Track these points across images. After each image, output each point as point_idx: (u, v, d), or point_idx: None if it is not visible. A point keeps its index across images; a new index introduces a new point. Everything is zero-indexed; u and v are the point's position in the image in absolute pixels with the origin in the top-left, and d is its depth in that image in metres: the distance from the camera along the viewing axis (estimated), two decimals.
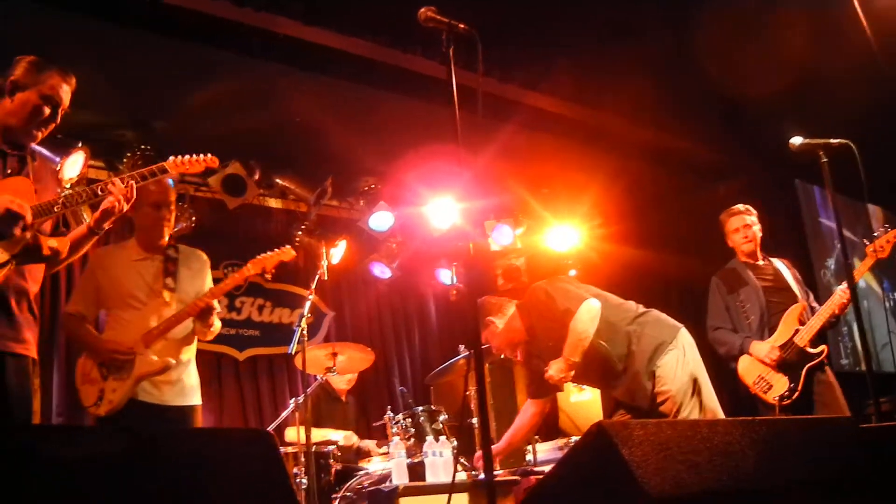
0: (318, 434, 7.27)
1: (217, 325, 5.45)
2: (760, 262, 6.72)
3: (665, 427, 2.23)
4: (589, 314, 5.31)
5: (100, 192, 4.18)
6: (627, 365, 5.35)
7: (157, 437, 2.10)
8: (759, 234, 6.75)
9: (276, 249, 5.61)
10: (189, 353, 5.43)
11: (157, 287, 5.33)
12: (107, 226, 4.31)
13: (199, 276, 5.56)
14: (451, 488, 4.81)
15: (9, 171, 4.08)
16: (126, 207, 4.28)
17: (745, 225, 6.72)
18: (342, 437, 7.36)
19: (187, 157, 4.61)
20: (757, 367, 6.34)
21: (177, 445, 2.14)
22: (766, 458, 2.29)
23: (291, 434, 7.37)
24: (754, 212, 6.81)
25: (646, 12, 7.20)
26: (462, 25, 3.62)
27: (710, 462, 2.17)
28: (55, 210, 4.08)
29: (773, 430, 2.42)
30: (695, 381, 5.27)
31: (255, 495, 2.17)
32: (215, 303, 5.31)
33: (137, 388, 5.09)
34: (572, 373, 5.34)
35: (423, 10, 3.66)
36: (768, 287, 6.58)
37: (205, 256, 5.75)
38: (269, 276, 5.56)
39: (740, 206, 6.83)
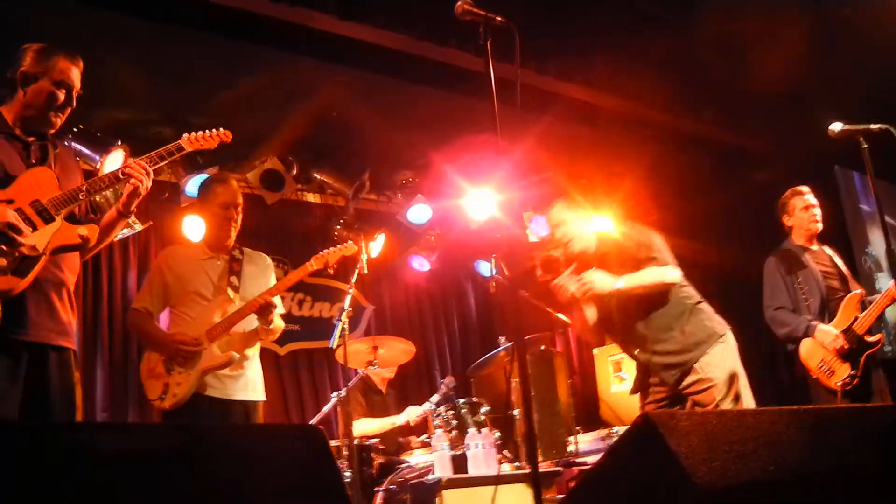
0: (385, 423, 7.45)
1: (279, 324, 5.51)
2: (815, 248, 6.65)
3: (711, 417, 2.21)
4: (670, 277, 5.45)
5: (121, 176, 4.20)
6: (672, 339, 5.41)
7: (208, 433, 2.11)
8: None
9: (338, 245, 5.69)
10: (253, 349, 5.50)
11: (221, 285, 5.43)
12: (134, 208, 4.32)
13: (263, 276, 5.65)
14: (496, 479, 4.80)
15: (33, 161, 4.10)
16: (149, 186, 4.30)
17: (811, 205, 6.65)
18: (403, 418, 7.43)
19: (201, 133, 4.67)
20: (819, 351, 6.25)
21: (228, 441, 2.15)
22: (812, 447, 2.27)
23: (357, 427, 7.33)
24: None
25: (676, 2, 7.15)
26: (499, 18, 3.61)
27: (757, 451, 2.16)
28: (80, 197, 4.11)
29: (819, 418, 2.40)
30: (735, 378, 5.32)
31: (306, 491, 2.17)
32: (277, 300, 5.38)
33: (202, 382, 5.17)
34: (590, 288, 5.48)
35: (459, 2, 3.66)
36: (826, 272, 6.51)
37: (269, 259, 5.86)
38: (331, 272, 5.63)
39: (802, 187, 6.77)
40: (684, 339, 5.37)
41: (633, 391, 5.89)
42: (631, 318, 5.58)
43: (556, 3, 7.23)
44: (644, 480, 2.12)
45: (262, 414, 5.52)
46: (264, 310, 5.30)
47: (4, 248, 3.83)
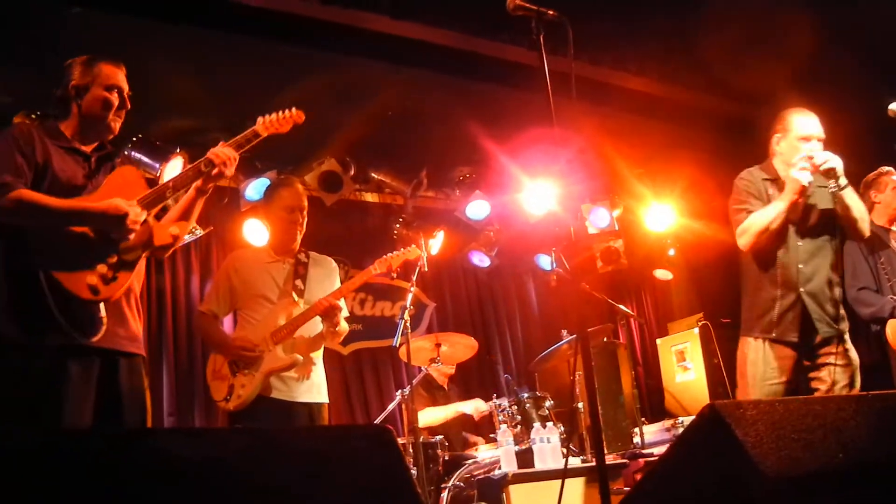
0: (449, 410, 7.40)
1: (344, 326, 5.56)
2: (895, 229, 6.56)
3: (778, 406, 2.19)
4: (864, 226, 5.25)
5: (203, 168, 4.27)
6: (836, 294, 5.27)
7: (277, 436, 2.13)
8: None
9: (402, 249, 5.75)
10: (317, 353, 5.54)
11: (287, 288, 5.47)
12: (211, 186, 4.41)
13: (328, 280, 5.68)
14: (563, 474, 4.79)
15: (92, 170, 4.17)
16: (231, 172, 4.39)
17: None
18: (471, 407, 7.42)
19: (274, 115, 4.67)
20: None
21: (296, 444, 2.17)
22: (880, 433, 2.24)
23: (423, 418, 7.34)
24: None
25: None
26: (551, 12, 3.61)
27: (825, 440, 2.14)
28: (168, 195, 4.20)
29: (886, 404, 2.36)
30: None
31: (377, 493, 2.18)
32: (341, 303, 5.43)
33: (266, 384, 5.22)
34: (834, 167, 5.07)
35: None
36: None
37: (334, 262, 5.90)
38: (394, 275, 5.66)
39: (892, 168, 6.67)
40: (839, 306, 5.23)
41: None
42: (818, 245, 5.27)
43: None
44: (711, 471, 2.10)
45: (326, 416, 5.57)
46: (330, 312, 5.34)
47: (130, 238, 4.01)
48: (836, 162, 5.02)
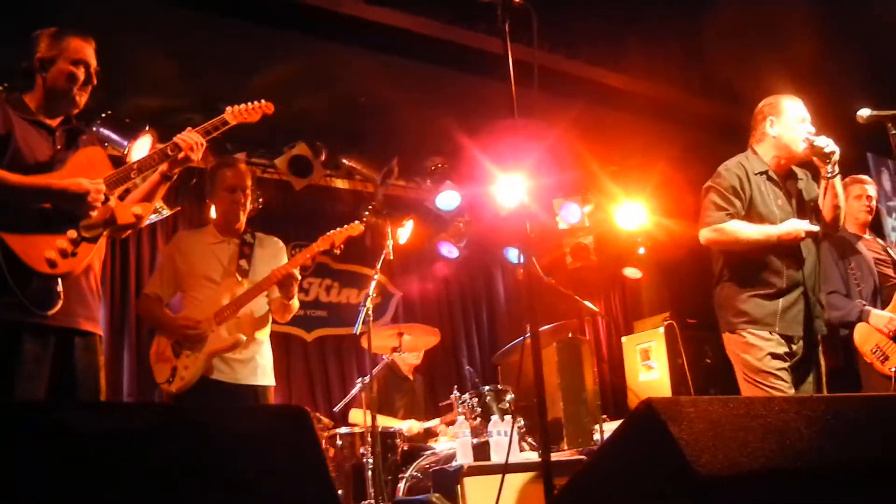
0: (383, 423, 7.30)
1: (295, 303, 5.49)
2: (868, 236, 6.63)
3: (717, 404, 2.17)
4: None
5: (170, 152, 4.26)
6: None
7: (187, 412, 2.10)
8: (875, 209, 6.67)
9: (345, 225, 5.63)
10: (263, 333, 5.46)
11: (231, 268, 5.39)
12: (176, 171, 4.41)
13: (275, 261, 5.56)
14: (504, 468, 4.77)
15: (58, 147, 4.13)
16: (198, 157, 4.37)
17: (867, 195, 6.63)
18: (406, 427, 7.36)
19: (243, 105, 4.68)
20: (874, 336, 6.22)
21: (208, 420, 2.14)
22: (822, 437, 2.22)
23: (355, 416, 7.42)
24: (876, 185, 6.72)
25: None
26: (517, 0, 3.58)
27: (764, 441, 2.11)
28: (132, 176, 4.17)
29: (831, 407, 2.34)
30: None
31: (289, 473, 2.16)
32: (296, 273, 5.31)
33: (210, 366, 5.14)
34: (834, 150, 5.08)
35: None
36: (879, 259, 6.50)
37: (281, 243, 5.80)
38: (337, 252, 5.57)
39: (865, 176, 6.77)
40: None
41: None
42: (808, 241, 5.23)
43: None
44: (645, 468, 2.08)
45: (272, 399, 5.50)
46: (286, 280, 5.25)
47: (92, 216, 3.98)
48: (835, 147, 5.03)
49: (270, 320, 5.54)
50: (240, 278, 5.34)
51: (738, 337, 5.04)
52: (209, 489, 1.98)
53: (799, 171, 5.31)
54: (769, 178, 5.15)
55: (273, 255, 5.64)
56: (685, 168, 9.51)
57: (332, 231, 5.57)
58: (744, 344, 4.99)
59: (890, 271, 6.47)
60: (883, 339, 6.19)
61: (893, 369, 6.12)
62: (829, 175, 5.08)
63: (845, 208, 6.32)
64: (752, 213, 5.07)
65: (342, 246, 5.57)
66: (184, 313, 5.31)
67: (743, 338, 4.99)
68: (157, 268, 5.72)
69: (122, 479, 1.83)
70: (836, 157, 5.05)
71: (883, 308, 6.30)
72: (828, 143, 5.03)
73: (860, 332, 6.30)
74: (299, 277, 5.35)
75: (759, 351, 4.92)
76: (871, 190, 6.66)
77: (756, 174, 5.15)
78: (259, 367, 5.35)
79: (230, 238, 5.51)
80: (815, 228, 4.98)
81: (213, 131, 4.48)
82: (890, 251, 6.61)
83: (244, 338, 5.21)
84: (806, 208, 5.23)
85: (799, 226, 4.92)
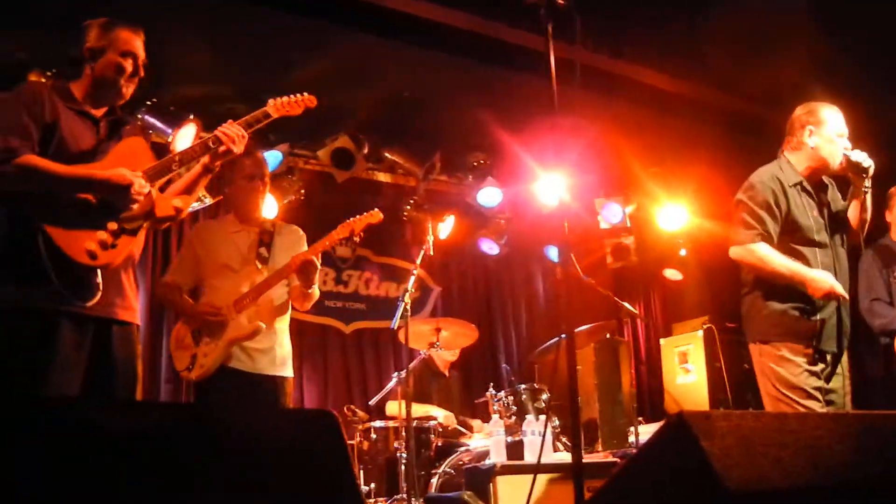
0: (420, 409, 7.29)
1: (316, 291, 5.48)
2: None
3: (750, 419, 2.14)
4: None
5: (211, 145, 4.27)
6: None
7: (214, 413, 2.10)
8: None
9: (365, 213, 5.61)
10: (282, 322, 5.47)
11: (250, 256, 5.40)
12: (218, 164, 4.42)
13: (295, 249, 5.54)
14: (536, 469, 4.75)
15: (103, 137, 4.15)
16: (240, 150, 4.37)
17: None
18: (442, 415, 7.36)
19: (286, 98, 4.66)
20: None
21: (234, 422, 2.14)
22: (856, 454, 2.19)
23: (392, 408, 7.42)
24: None
25: None
26: (560, 0, 3.57)
27: (796, 457, 2.09)
28: (173, 168, 4.18)
29: (865, 424, 2.31)
30: None
31: (315, 478, 2.15)
32: (316, 261, 5.28)
33: (230, 355, 5.16)
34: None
35: None
36: None
37: (301, 231, 5.79)
38: (357, 239, 5.54)
39: None
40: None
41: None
42: (839, 252, 5.16)
43: None
44: (675, 481, 2.06)
45: (290, 390, 5.47)
46: (306, 268, 5.24)
47: (133, 209, 4.00)
48: (871, 162, 4.96)
49: (290, 308, 5.54)
50: (259, 266, 5.35)
51: (772, 349, 4.91)
52: (233, 491, 1.98)
53: (826, 180, 5.22)
54: (803, 189, 5.05)
55: (293, 243, 5.63)
56: (727, 170, 9.40)
57: (351, 218, 5.56)
58: (779, 357, 4.87)
59: None
60: None
61: None
62: (866, 190, 5.00)
63: (890, 217, 6.29)
64: (791, 226, 4.96)
65: (362, 233, 5.55)
66: (203, 300, 5.35)
67: (779, 350, 4.87)
68: (177, 256, 5.73)
69: (145, 478, 1.83)
70: (871, 171, 4.98)
71: None
72: (865, 159, 4.95)
73: None
74: (319, 265, 5.32)
75: (796, 367, 4.81)
76: None
77: (791, 186, 5.02)
78: (278, 357, 5.36)
79: (250, 227, 5.53)
80: (845, 295, 4.86)
81: (256, 124, 4.48)
82: None
83: (264, 326, 5.21)
84: (836, 219, 5.14)
85: (835, 286, 4.77)
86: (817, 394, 4.80)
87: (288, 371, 5.43)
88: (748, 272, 5.09)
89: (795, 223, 4.96)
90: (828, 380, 4.92)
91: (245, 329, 5.17)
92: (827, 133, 5.05)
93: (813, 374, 4.81)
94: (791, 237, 4.95)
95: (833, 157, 5.02)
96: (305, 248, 5.61)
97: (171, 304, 5.64)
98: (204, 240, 5.50)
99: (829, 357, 4.92)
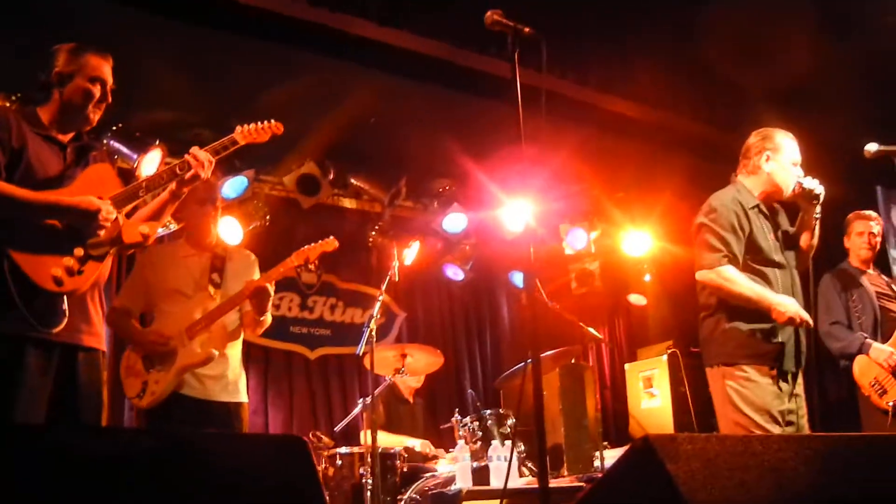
0: (395, 440, 7.29)
1: (268, 318, 5.44)
2: (871, 271, 6.74)
3: (714, 442, 2.17)
4: None
5: (179, 171, 4.27)
6: None
7: (186, 439, 2.10)
8: (879, 246, 6.72)
9: (319, 241, 5.59)
10: (234, 348, 5.43)
11: (203, 282, 5.37)
12: (185, 191, 4.41)
13: (247, 273, 5.53)
14: (502, 493, 4.76)
15: (68, 163, 4.14)
16: (207, 176, 4.36)
17: (870, 231, 6.73)
18: (419, 444, 7.36)
19: (253, 125, 4.66)
20: (873, 369, 6.30)
21: (207, 448, 2.14)
22: (819, 476, 2.22)
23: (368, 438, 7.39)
24: (882, 222, 6.81)
25: (718, 15, 7.09)
26: (527, 29, 3.61)
27: (760, 479, 2.11)
28: (140, 194, 4.18)
29: (829, 446, 2.34)
30: None
31: (286, 502, 2.16)
32: (270, 288, 5.25)
33: (181, 382, 5.10)
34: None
35: (489, 13, 3.68)
36: (881, 293, 6.59)
37: (253, 256, 5.78)
38: (312, 267, 5.53)
39: (871, 213, 6.88)
40: None
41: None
42: (793, 274, 5.21)
43: (597, 15, 7.21)
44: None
45: (245, 416, 5.45)
46: (259, 294, 5.20)
47: (100, 235, 3.99)
48: (822, 189, 5.06)
49: (241, 335, 5.51)
50: (212, 292, 5.34)
51: (737, 371, 4.90)
52: None
53: (776, 205, 5.31)
54: (760, 212, 5.13)
55: (245, 268, 5.62)
56: (691, 196, 9.48)
57: (306, 246, 5.54)
58: (745, 379, 4.86)
59: (892, 305, 6.52)
60: (882, 372, 6.24)
61: (891, 403, 6.16)
62: (817, 216, 5.09)
63: (849, 243, 6.42)
64: (752, 247, 5.01)
65: (317, 261, 5.54)
66: (155, 327, 5.29)
67: (745, 372, 4.87)
68: (127, 281, 5.65)
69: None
70: (822, 198, 5.07)
71: (883, 341, 6.37)
72: (816, 186, 5.05)
73: (860, 365, 6.36)
74: (272, 292, 5.30)
75: (762, 389, 4.83)
76: (875, 226, 6.73)
77: (750, 208, 5.09)
78: (230, 383, 5.32)
79: (202, 251, 5.50)
80: (810, 322, 4.90)
81: (223, 151, 4.48)
82: (894, 286, 6.65)
83: (216, 353, 5.16)
84: (789, 242, 5.22)
85: (799, 311, 4.82)
86: (779, 417, 4.83)
87: (242, 396, 5.41)
88: (710, 294, 5.09)
89: (756, 244, 5.02)
90: (788, 399, 4.95)
91: (197, 356, 5.11)
92: (782, 159, 5.15)
93: (778, 396, 4.85)
94: (753, 258, 5.00)
95: (787, 184, 5.13)
96: (258, 273, 5.62)
97: (119, 330, 5.54)
98: (154, 264, 5.44)
99: (789, 376, 4.96)
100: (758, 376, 4.85)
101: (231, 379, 5.32)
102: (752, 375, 4.85)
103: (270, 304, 5.34)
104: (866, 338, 6.35)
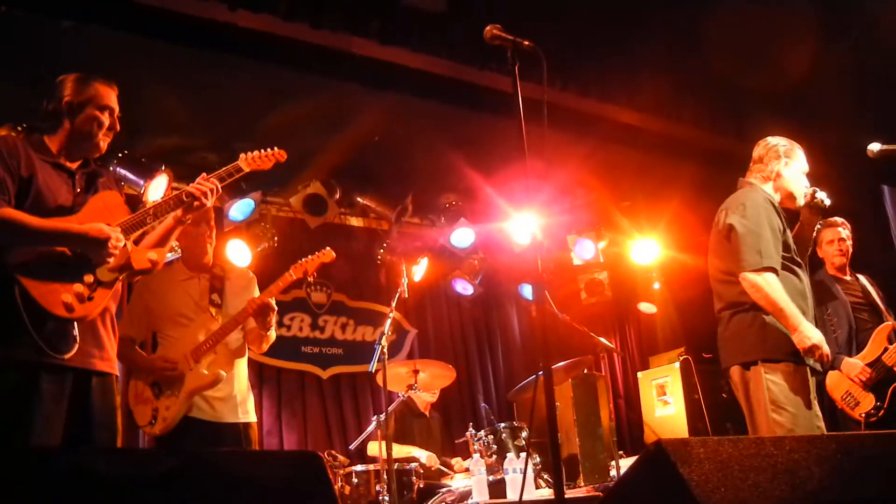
0: (402, 450, 7.29)
1: (272, 334, 5.47)
2: (847, 278, 6.73)
3: (727, 445, 2.18)
4: None
5: (185, 198, 4.29)
6: None
7: (204, 457, 2.11)
8: (851, 249, 6.69)
9: (316, 253, 5.64)
10: (240, 367, 5.46)
11: (203, 304, 5.39)
12: (190, 217, 4.43)
13: (246, 293, 5.57)
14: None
15: (78, 190, 4.17)
16: (212, 203, 4.42)
17: (840, 238, 6.72)
18: (425, 456, 7.36)
19: (257, 152, 4.73)
20: (845, 382, 6.35)
21: (225, 466, 2.15)
22: (833, 476, 2.23)
23: (373, 448, 7.39)
24: (849, 226, 6.76)
25: (720, 23, 7.11)
26: (526, 42, 3.63)
27: (774, 481, 2.12)
28: (148, 221, 4.21)
29: (842, 446, 2.35)
30: None
31: None
32: (272, 303, 5.28)
33: (191, 405, 5.12)
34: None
35: (488, 27, 3.70)
36: (856, 303, 6.59)
37: (251, 274, 5.82)
38: (311, 279, 5.56)
39: (837, 219, 6.82)
40: None
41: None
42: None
43: (598, 26, 7.23)
44: None
45: (255, 435, 5.47)
46: (262, 311, 5.24)
47: (109, 262, 4.00)
48: (829, 202, 5.14)
49: (247, 353, 5.54)
50: (213, 313, 5.36)
51: (784, 367, 4.84)
52: None
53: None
54: (780, 216, 5.11)
55: (244, 287, 5.65)
56: (698, 203, 9.51)
57: (303, 259, 5.57)
58: (791, 375, 4.83)
59: (865, 316, 6.54)
60: (854, 385, 6.31)
61: (863, 415, 6.20)
62: (819, 227, 5.13)
63: (822, 254, 6.46)
64: (784, 246, 5.02)
65: (315, 273, 5.56)
66: (160, 353, 5.30)
67: (790, 367, 4.84)
68: (127, 309, 5.59)
69: None
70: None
71: (858, 352, 6.42)
72: (825, 198, 5.14)
73: (832, 379, 6.42)
74: (275, 308, 5.33)
75: (805, 384, 4.84)
76: (843, 232, 6.74)
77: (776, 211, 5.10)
78: (238, 402, 5.34)
79: (200, 273, 5.53)
80: (829, 355, 4.84)
81: (227, 178, 4.53)
82: (871, 290, 6.64)
83: (224, 374, 5.19)
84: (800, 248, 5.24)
85: (823, 348, 4.77)
86: (819, 412, 4.83)
87: (251, 416, 5.43)
88: (741, 293, 5.00)
89: (787, 243, 5.04)
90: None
91: (206, 378, 5.13)
92: (797, 169, 5.20)
93: (815, 397, 4.86)
94: (785, 256, 5.00)
95: (799, 192, 5.17)
96: (257, 290, 5.65)
97: (124, 359, 5.50)
98: (153, 290, 5.45)
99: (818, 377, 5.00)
100: (804, 373, 4.85)
101: (239, 399, 5.35)
102: (799, 371, 4.85)
103: (275, 319, 5.37)
104: (838, 353, 6.39)
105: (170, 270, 5.63)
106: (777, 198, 5.17)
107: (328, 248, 5.68)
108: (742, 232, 4.99)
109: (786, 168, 5.17)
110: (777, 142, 5.28)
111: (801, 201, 5.16)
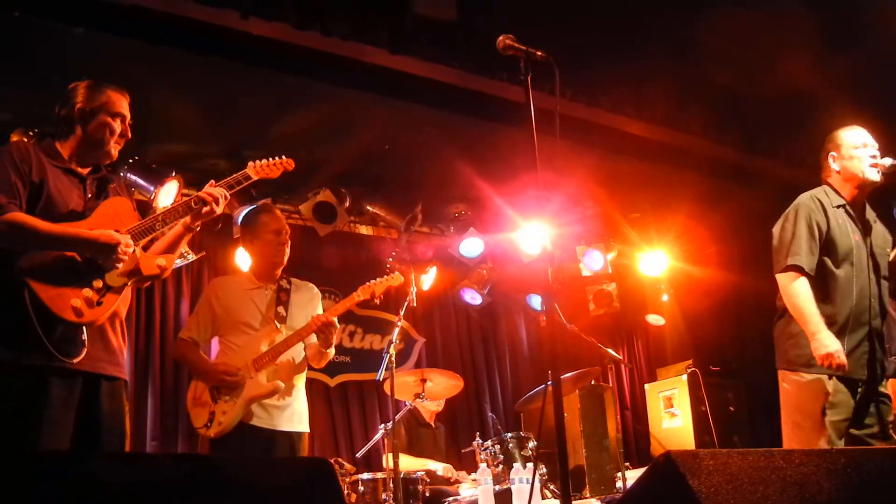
0: (418, 463, 7.29)
1: (332, 351, 5.53)
2: None
3: (736, 457, 2.17)
4: None
5: (194, 205, 4.30)
6: None
7: (216, 464, 2.11)
8: None
9: (385, 276, 5.71)
10: (299, 380, 5.50)
11: (269, 315, 5.44)
12: (198, 225, 4.44)
13: (311, 306, 5.64)
14: None
15: (89, 195, 4.19)
16: (221, 210, 4.42)
17: None
18: (441, 468, 7.36)
19: (265, 161, 4.78)
20: None
21: (236, 473, 2.15)
22: (842, 490, 2.22)
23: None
24: None
25: (729, 34, 7.10)
26: (539, 52, 3.64)
27: (783, 494, 2.11)
28: (157, 227, 4.21)
29: (852, 460, 2.34)
30: None
31: None
32: (335, 322, 5.36)
33: (248, 412, 5.18)
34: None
35: (501, 37, 3.71)
36: None
37: (316, 289, 5.84)
38: (377, 302, 5.64)
39: None
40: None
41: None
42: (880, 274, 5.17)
43: (608, 36, 7.23)
44: None
45: (307, 446, 5.52)
46: (325, 329, 5.30)
47: (118, 268, 4.03)
48: (891, 161, 5.09)
49: (306, 368, 5.58)
50: (278, 325, 5.39)
51: (795, 377, 4.90)
52: None
53: (871, 214, 5.28)
54: (847, 213, 5.12)
55: (308, 301, 5.70)
56: (707, 215, 9.53)
57: (372, 281, 5.63)
58: (799, 384, 4.87)
59: None
60: None
61: None
62: None
63: None
64: (829, 248, 5.01)
65: (381, 296, 5.64)
66: (221, 359, 5.36)
67: (800, 378, 4.87)
68: (194, 312, 5.68)
69: None
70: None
71: None
72: (888, 161, 5.08)
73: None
74: (338, 326, 5.40)
75: (817, 395, 4.80)
76: None
77: (835, 207, 5.11)
78: (296, 413, 5.39)
79: (267, 284, 5.57)
80: (845, 364, 4.74)
81: (236, 185, 4.55)
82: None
83: (282, 385, 5.25)
84: (876, 253, 5.16)
85: (837, 358, 4.70)
86: (840, 426, 4.75)
87: (304, 426, 5.47)
88: (778, 298, 5.12)
89: (834, 243, 5.01)
90: (859, 410, 4.85)
91: (264, 388, 5.20)
92: (845, 152, 5.18)
93: (835, 405, 4.78)
94: (829, 257, 5.00)
95: (859, 170, 5.12)
96: (320, 306, 5.71)
97: (186, 362, 5.60)
98: (221, 297, 5.52)
99: (861, 386, 4.87)
100: (815, 384, 4.82)
101: (296, 409, 5.40)
102: (808, 382, 4.84)
103: (335, 337, 5.43)
104: None
105: (238, 278, 5.80)
106: (845, 192, 5.17)
107: (397, 273, 5.82)
108: (776, 235, 5.14)
109: (835, 162, 5.21)
110: (826, 140, 5.34)
111: (865, 176, 5.10)
